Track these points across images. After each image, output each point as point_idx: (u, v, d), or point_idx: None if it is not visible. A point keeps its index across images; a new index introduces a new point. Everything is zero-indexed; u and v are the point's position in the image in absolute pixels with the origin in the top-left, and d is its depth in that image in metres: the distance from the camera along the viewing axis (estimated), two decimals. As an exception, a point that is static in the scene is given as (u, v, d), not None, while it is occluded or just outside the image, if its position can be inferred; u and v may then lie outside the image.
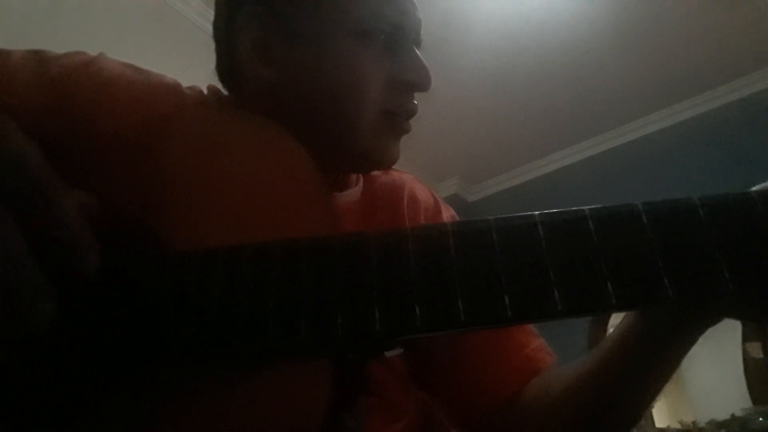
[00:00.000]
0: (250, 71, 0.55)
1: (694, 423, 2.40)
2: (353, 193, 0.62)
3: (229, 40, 0.56)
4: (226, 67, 0.59)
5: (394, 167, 0.62)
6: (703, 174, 2.60)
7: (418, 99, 0.58)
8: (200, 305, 0.35)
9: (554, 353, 0.61)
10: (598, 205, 0.34)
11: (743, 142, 2.61)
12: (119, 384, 0.36)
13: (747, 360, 2.33)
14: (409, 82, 0.55)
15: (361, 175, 0.65)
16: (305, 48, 0.53)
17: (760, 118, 2.63)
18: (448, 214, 0.67)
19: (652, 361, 0.45)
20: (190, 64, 0.96)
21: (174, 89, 0.57)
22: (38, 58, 0.51)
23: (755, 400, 2.27)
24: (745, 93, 2.77)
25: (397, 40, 0.55)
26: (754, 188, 0.33)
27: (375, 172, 0.65)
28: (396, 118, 0.56)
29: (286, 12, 0.53)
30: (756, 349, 2.29)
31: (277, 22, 0.53)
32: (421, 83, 0.56)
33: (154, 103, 0.53)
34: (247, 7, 0.54)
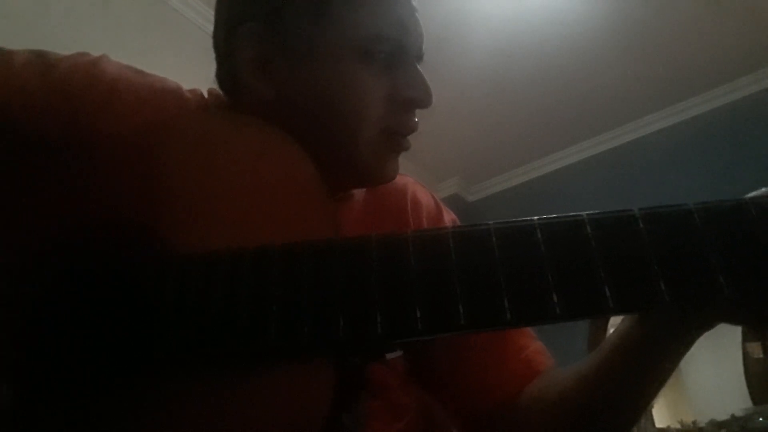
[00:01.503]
0: (250, 87, 0.54)
1: (694, 423, 2.41)
2: (355, 195, 0.62)
3: (228, 54, 0.56)
4: (226, 79, 0.58)
5: None
6: (702, 174, 2.61)
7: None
8: (202, 307, 0.35)
9: (554, 355, 0.61)
10: (597, 209, 0.34)
11: (743, 142, 2.61)
12: (120, 384, 0.36)
13: (747, 360, 2.34)
14: (410, 99, 0.55)
15: None
16: (305, 66, 0.53)
17: (759, 119, 2.63)
18: (449, 217, 0.68)
19: (649, 363, 0.45)
20: (190, 64, 0.96)
21: (175, 93, 0.57)
22: (41, 59, 0.51)
23: (755, 400, 2.27)
24: (745, 93, 2.77)
25: (398, 56, 0.54)
26: (748, 195, 0.34)
27: None
28: (396, 136, 0.55)
29: (286, 30, 0.53)
30: (756, 349, 2.29)
31: (277, 40, 0.53)
32: (422, 101, 0.55)
33: (156, 106, 0.53)
34: (247, 24, 0.54)
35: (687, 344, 0.43)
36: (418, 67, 0.56)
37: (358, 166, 0.55)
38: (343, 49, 0.52)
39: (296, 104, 0.53)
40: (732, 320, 0.39)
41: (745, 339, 2.31)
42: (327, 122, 0.53)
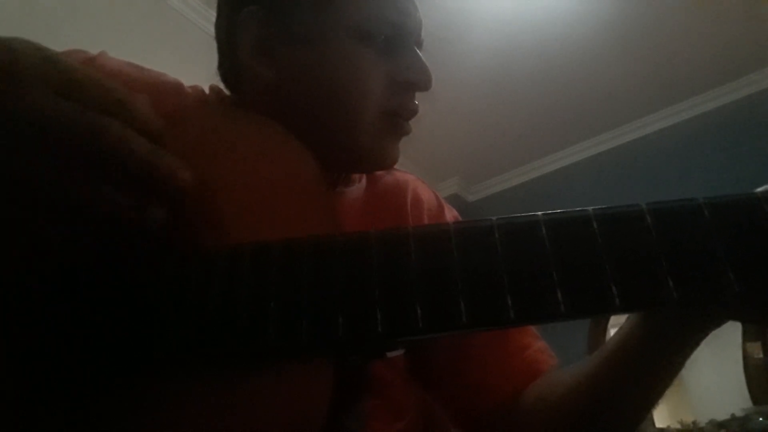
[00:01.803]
0: (251, 71, 0.54)
1: (694, 423, 2.41)
2: (356, 190, 0.62)
3: (230, 41, 0.56)
4: (227, 67, 0.59)
5: (395, 167, 0.62)
6: (703, 174, 2.61)
7: (418, 99, 0.57)
8: (200, 305, 0.35)
9: (555, 355, 0.61)
10: (601, 206, 0.34)
11: (743, 142, 2.61)
12: (119, 384, 0.36)
13: (747, 360, 2.33)
14: (410, 82, 0.55)
15: (364, 174, 0.65)
16: (306, 49, 0.53)
17: (760, 119, 2.63)
18: (451, 214, 0.67)
19: (654, 363, 0.45)
20: (190, 63, 0.96)
21: (176, 88, 0.57)
22: None
23: (755, 400, 2.27)
24: (745, 93, 2.77)
25: (398, 40, 0.54)
26: (758, 189, 0.33)
27: (378, 172, 0.65)
28: (397, 119, 0.56)
29: (286, 13, 0.53)
30: (756, 349, 2.29)
31: (278, 23, 0.53)
32: (422, 83, 0.55)
33: (156, 101, 0.53)
34: (247, 8, 0.54)
35: (693, 343, 0.43)
36: (418, 51, 0.56)
37: (359, 150, 0.55)
38: (343, 31, 0.52)
39: (298, 87, 0.54)
40: (740, 317, 0.39)
41: (745, 339, 2.31)
42: (328, 105, 0.53)
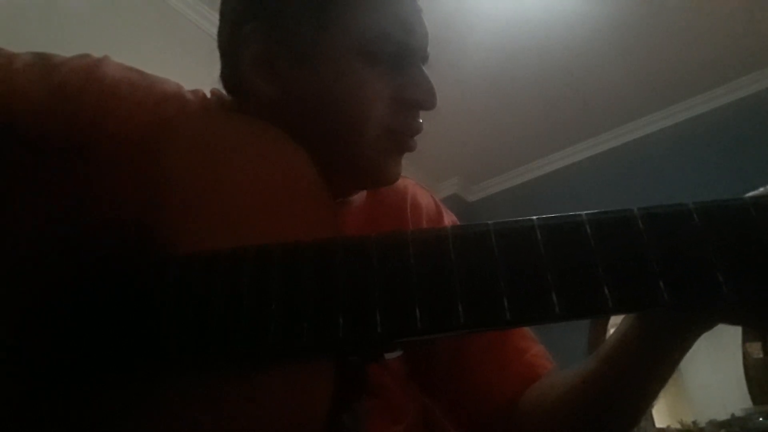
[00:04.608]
0: (253, 86, 0.54)
1: (694, 423, 2.41)
2: (356, 198, 0.62)
3: (232, 53, 0.56)
4: (229, 78, 0.58)
5: None
6: (702, 174, 2.61)
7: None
8: (202, 307, 0.35)
9: (554, 355, 0.61)
10: (597, 209, 0.34)
11: (743, 142, 2.61)
12: (120, 384, 0.36)
13: (747, 360, 2.34)
14: (414, 100, 0.54)
15: None
16: (309, 66, 0.53)
17: (759, 119, 2.63)
18: (449, 219, 0.68)
19: (649, 363, 0.45)
20: (191, 65, 0.97)
21: (177, 93, 0.57)
22: (43, 61, 0.51)
23: (755, 400, 2.27)
24: (745, 93, 2.77)
25: (402, 58, 0.54)
26: (748, 194, 0.34)
27: None
28: (399, 136, 0.55)
29: (290, 30, 0.53)
30: (756, 349, 2.30)
31: (281, 40, 0.53)
32: (426, 102, 0.55)
33: (158, 107, 0.53)
34: (251, 23, 0.53)
35: (687, 344, 0.43)
36: (423, 68, 0.56)
37: (362, 167, 0.55)
38: (346, 49, 0.52)
39: (300, 104, 0.53)
40: (731, 320, 0.39)
41: (745, 339, 2.31)
42: (330, 123, 0.53)
